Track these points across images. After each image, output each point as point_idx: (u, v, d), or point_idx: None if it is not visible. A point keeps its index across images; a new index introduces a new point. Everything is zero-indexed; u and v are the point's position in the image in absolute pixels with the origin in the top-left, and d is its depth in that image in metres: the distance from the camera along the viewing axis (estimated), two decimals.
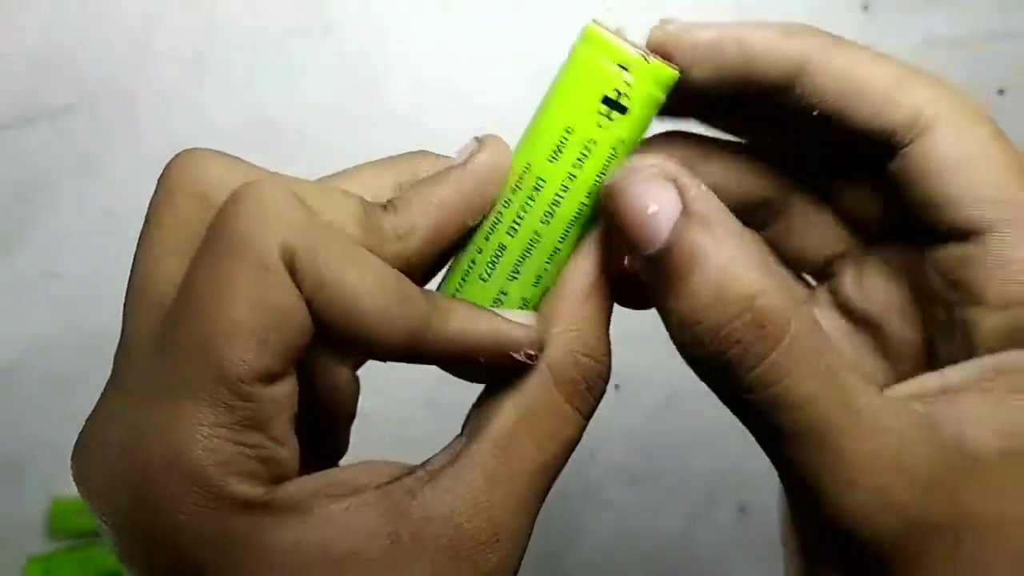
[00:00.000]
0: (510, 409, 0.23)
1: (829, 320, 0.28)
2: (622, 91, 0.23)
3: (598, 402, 0.24)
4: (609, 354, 0.24)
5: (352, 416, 0.25)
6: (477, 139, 0.24)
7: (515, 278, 0.24)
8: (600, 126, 0.23)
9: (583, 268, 0.24)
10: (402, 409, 0.51)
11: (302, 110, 0.52)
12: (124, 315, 0.22)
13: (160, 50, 0.52)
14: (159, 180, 0.22)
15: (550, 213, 0.24)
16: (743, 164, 0.27)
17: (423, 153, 0.25)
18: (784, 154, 0.27)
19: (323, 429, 0.24)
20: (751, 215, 0.27)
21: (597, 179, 0.24)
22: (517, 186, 0.24)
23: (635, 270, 0.24)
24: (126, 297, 0.22)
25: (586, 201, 0.24)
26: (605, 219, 0.24)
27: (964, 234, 0.24)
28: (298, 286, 0.20)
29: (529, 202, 0.24)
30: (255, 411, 0.20)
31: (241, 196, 0.21)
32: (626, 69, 0.23)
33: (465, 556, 0.22)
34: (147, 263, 0.22)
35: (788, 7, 0.52)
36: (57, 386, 0.49)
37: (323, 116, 0.52)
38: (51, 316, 0.50)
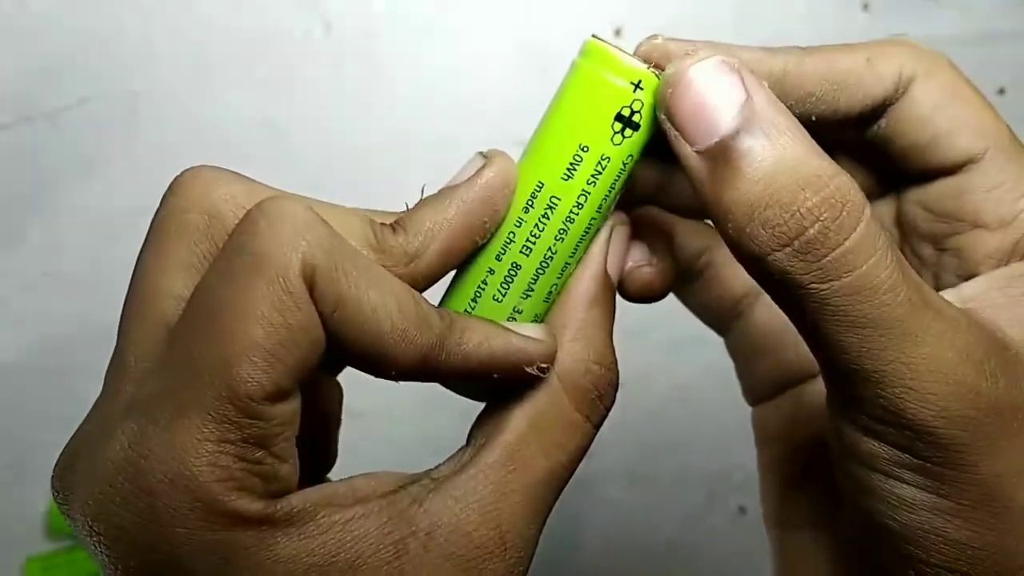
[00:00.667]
0: (520, 419, 0.23)
1: None
2: (635, 108, 0.23)
3: (608, 411, 0.24)
4: (617, 362, 0.24)
5: (340, 422, 0.25)
6: (482, 154, 0.24)
7: (529, 296, 0.24)
8: (615, 143, 0.23)
9: (586, 275, 0.24)
10: (401, 409, 0.51)
11: (302, 110, 0.52)
12: (121, 330, 0.22)
13: (160, 50, 0.51)
14: (165, 195, 0.22)
15: (564, 230, 0.24)
16: None
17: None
18: None
19: (318, 438, 0.24)
20: None
21: (607, 195, 0.24)
22: (529, 205, 0.24)
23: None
24: (124, 311, 0.22)
25: (596, 216, 0.24)
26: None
27: (955, 167, 0.25)
28: (316, 303, 0.20)
29: (543, 221, 0.24)
30: (262, 429, 0.20)
31: (262, 211, 0.20)
32: (638, 86, 0.23)
33: (472, 565, 0.22)
34: (151, 277, 0.22)
35: (788, 7, 0.52)
36: (57, 386, 0.49)
37: (323, 116, 0.52)
38: (51, 316, 0.50)
